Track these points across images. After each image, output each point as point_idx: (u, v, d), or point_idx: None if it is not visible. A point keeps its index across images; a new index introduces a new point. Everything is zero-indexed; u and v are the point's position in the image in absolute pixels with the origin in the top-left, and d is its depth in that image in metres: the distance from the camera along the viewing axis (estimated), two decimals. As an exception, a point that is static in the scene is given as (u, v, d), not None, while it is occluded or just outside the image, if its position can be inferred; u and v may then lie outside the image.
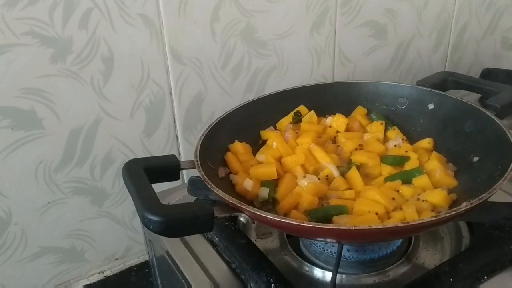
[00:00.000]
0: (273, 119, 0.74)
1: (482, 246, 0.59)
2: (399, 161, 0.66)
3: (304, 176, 0.63)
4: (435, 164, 0.64)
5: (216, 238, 0.64)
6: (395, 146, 0.70)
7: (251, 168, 0.65)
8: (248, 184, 0.62)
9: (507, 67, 1.02)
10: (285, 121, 0.75)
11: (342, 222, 0.55)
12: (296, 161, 0.66)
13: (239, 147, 0.68)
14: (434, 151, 0.67)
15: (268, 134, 0.72)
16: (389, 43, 1.03)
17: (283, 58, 0.90)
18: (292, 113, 0.75)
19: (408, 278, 0.58)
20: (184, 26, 0.77)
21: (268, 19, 0.85)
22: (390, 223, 0.54)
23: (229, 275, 0.60)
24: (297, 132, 0.72)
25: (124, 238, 0.87)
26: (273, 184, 0.63)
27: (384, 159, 0.67)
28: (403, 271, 0.60)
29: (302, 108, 0.75)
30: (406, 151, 0.67)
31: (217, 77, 0.84)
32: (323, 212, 0.57)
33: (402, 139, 0.71)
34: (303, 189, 0.61)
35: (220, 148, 0.67)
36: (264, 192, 0.61)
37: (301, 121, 0.74)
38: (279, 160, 0.67)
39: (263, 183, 0.63)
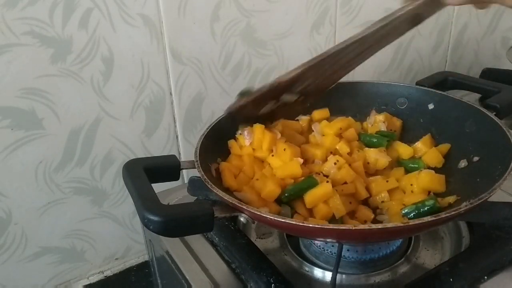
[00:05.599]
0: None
1: (482, 246, 0.59)
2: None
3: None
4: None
5: (216, 238, 0.64)
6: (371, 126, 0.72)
7: (271, 172, 0.60)
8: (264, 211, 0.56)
9: (507, 67, 1.01)
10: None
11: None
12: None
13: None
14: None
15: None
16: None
17: (283, 58, 0.90)
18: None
19: (408, 278, 0.58)
20: (184, 26, 0.77)
21: (268, 19, 0.85)
22: (390, 223, 0.54)
23: (229, 275, 0.60)
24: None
25: (124, 238, 0.87)
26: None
27: None
28: (403, 271, 0.60)
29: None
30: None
31: (217, 77, 0.84)
32: (295, 190, 0.57)
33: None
34: (268, 176, 0.59)
35: (220, 148, 0.67)
36: (287, 211, 0.58)
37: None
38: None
39: (283, 197, 0.58)
